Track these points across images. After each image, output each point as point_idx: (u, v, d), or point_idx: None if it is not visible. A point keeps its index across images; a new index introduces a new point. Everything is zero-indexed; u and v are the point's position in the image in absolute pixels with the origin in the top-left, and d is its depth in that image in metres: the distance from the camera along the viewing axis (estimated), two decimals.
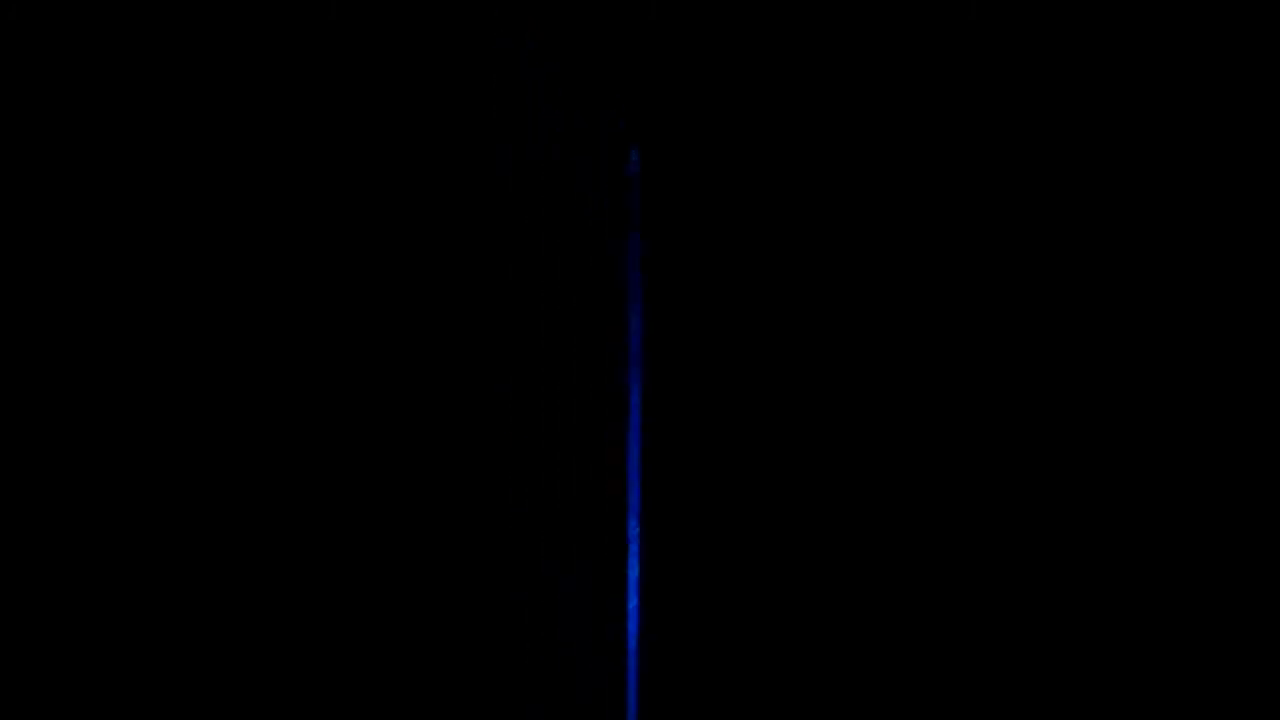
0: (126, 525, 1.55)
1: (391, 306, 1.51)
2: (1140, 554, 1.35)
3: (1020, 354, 1.34)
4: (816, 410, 1.41)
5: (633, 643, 1.47)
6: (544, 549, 1.54)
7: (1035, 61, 1.29)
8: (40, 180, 1.49)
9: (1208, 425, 1.32)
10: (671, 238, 1.44)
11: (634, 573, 1.45)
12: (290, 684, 1.57)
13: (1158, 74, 1.27)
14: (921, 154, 1.34)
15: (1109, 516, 1.35)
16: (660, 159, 1.42)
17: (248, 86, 1.46)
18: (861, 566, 1.42)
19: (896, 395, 1.38)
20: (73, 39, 1.44)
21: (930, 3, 1.31)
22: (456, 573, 1.55)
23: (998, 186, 1.33)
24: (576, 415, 1.51)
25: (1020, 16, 1.29)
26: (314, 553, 1.56)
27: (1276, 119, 1.25)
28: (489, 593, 1.55)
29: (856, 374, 1.40)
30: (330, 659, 1.58)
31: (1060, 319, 1.32)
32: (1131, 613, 1.36)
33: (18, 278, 1.50)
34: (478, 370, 1.52)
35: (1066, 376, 1.33)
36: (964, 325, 1.35)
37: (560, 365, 1.49)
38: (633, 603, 1.45)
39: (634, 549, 1.44)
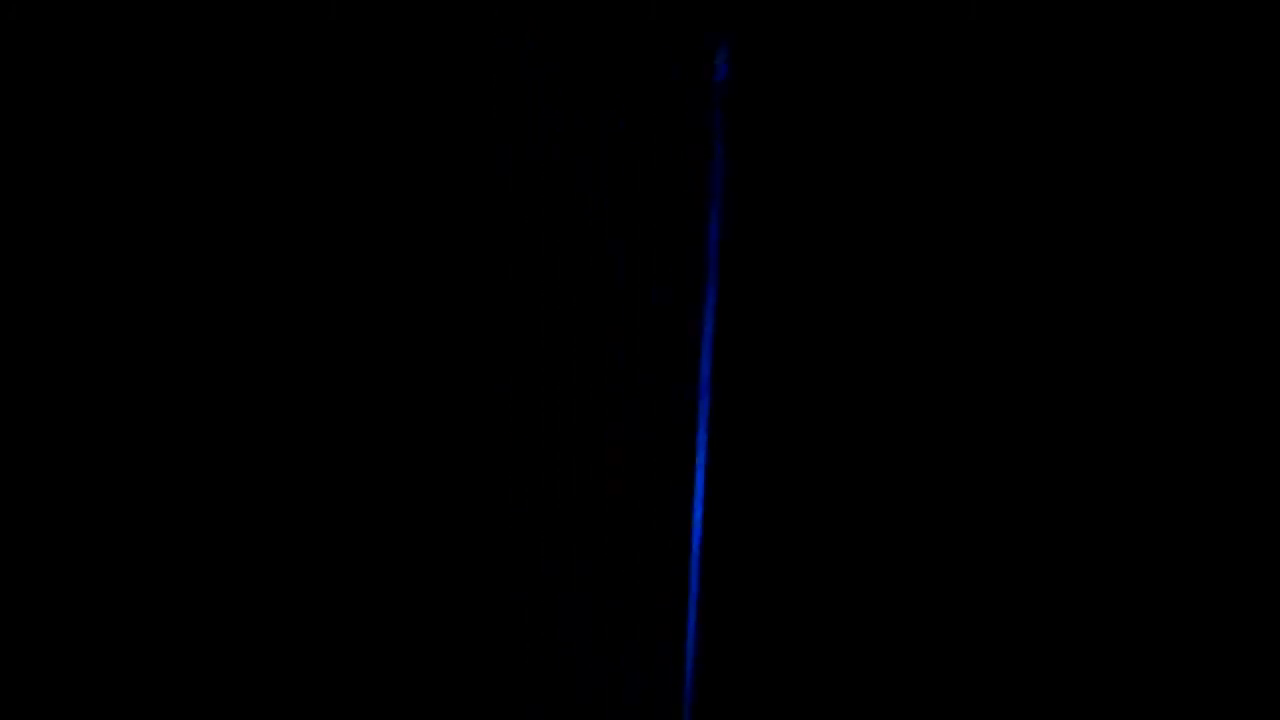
0: (123, 524, 1.55)
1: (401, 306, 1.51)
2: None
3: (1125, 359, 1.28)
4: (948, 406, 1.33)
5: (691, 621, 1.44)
6: (545, 548, 1.54)
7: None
8: (40, 180, 1.49)
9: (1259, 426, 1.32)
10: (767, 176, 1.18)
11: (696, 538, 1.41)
12: (289, 684, 1.57)
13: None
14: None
15: (1179, 519, 1.34)
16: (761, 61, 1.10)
17: (247, 86, 1.46)
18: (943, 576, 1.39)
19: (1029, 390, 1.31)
20: (73, 39, 1.44)
21: None
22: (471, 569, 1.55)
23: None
24: (576, 414, 1.51)
25: None
26: (329, 551, 1.56)
27: None
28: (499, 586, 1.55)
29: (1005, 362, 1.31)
30: (330, 659, 1.58)
31: (1162, 329, 1.28)
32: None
33: (18, 277, 1.50)
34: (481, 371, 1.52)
35: (1156, 389, 1.30)
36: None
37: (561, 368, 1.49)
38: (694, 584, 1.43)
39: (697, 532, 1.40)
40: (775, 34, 1.15)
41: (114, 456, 1.55)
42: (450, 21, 1.40)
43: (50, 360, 1.52)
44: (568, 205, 1.45)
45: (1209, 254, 1.26)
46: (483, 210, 1.47)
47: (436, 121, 1.45)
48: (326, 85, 1.45)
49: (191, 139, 1.48)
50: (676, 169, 1.15)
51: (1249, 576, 1.32)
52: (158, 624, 1.56)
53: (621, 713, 1.56)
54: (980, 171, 1.24)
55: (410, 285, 1.51)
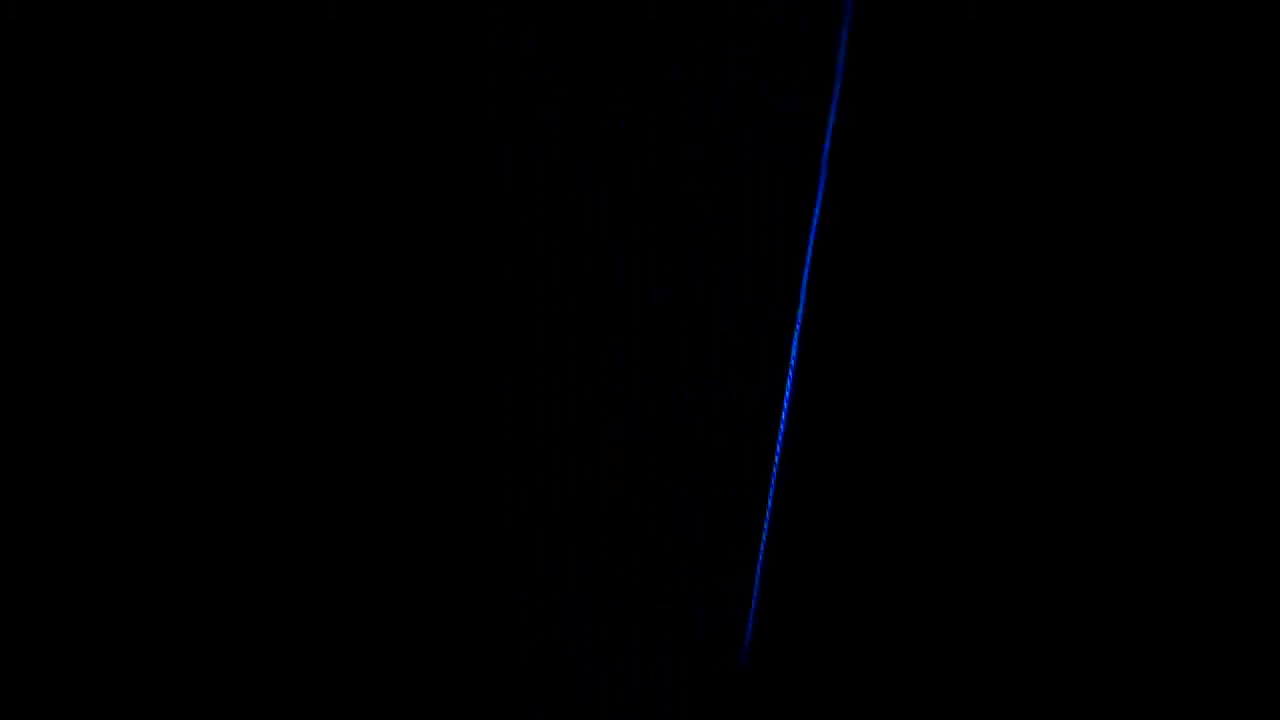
0: (121, 525, 1.55)
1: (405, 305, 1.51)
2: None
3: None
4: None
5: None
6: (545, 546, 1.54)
7: None
8: (40, 180, 1.49)
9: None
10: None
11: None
12: (290, 685, 1.57)
13: None
14: None
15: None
16: None
17: (246, 86, 1.46)
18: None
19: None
20: (73, 39, 1.44)
21: None
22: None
23: None
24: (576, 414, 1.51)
25: None
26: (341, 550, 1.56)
27: None
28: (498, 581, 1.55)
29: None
30: (331, 659, 1.58)
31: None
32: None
33: (18, 277, 1.50)
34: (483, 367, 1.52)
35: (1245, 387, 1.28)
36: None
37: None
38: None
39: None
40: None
41: (115, 456, 1.55)
42: (450, 21, 1.40)
43: (51, 359, 1.52)
44: (569, 205, 1.45)
45: None
46: (483, 210, 1.47)
47: (436, 121, 1.45)
48: (326, 85, 1.45)
49: (191, 139, 1.48)
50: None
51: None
52: (157, 624, 1.56)
53: (621, 713, 1.56)
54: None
55: (410, 285, 1.51)
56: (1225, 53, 1.23)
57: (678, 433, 1.50)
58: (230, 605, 1.57)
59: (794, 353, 1.42)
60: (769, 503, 1.44)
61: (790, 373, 1.44)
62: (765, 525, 1.45)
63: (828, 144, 1.25)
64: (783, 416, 1.45)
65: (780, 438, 1.41)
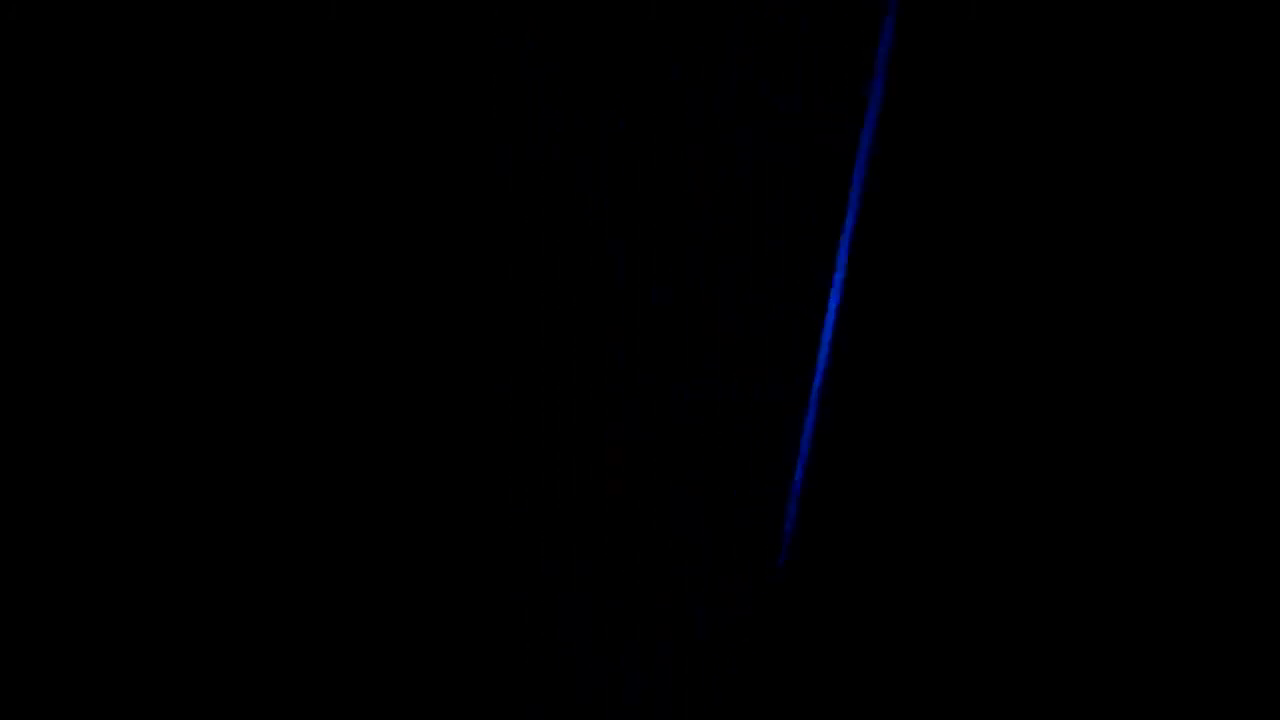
0: (123, 525, 1.55)
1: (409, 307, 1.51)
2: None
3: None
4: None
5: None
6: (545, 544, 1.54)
7: None
8: (41, 179, 1.49)
9: None
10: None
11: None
12: (291, 684, 1.57)
13: None
14: None
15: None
16: None
17: (247, 86, 1.46)
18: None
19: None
20: (73, 39, 1.44)
21: None
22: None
23: None
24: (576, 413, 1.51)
25: None
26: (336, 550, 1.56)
27: None
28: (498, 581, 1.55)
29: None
30: (332, 659, 1.58)
31: None
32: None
33: (18, 276, 1.50)
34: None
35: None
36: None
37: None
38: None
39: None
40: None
41: (115, 456, 1.55)
42: (450, 21, 1.40)
43: (51, 359, 1.52)
44: (569, 205, 1.45)
45: None
46: (483, 210, 1.47)
47: (437, 121, 1.45)
48: (326, 85, 1.45)
49: (191, 139, 1.48)
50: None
51: None
52: (161, 623, 1.56)
53: (621, 713, 1.56)
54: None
55: (410, 285, 1.51)
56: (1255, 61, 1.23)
57: (678, 433, 1.50)
58: (232, 605, 1.57)
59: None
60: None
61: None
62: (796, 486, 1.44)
63: (865, 147, 1.26)
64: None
65: (794, 434, 1.41)
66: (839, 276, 1.41)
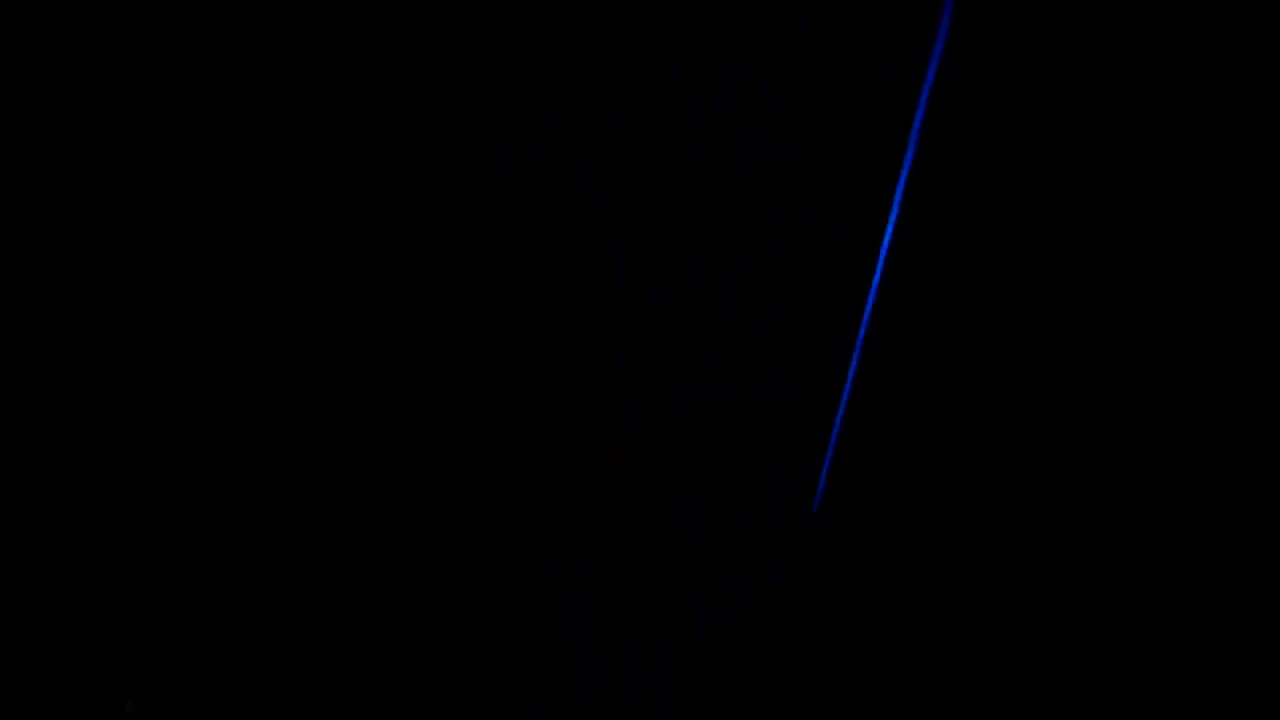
0: (124, 524, 1.55)
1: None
2: None
3: None
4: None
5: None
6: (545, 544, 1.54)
7: None
8: (42, 178, 1.49)
9: None
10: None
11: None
12: (293, 683, 1.57)
13: None
14: None
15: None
16: None
17: (248, 87, 1.46)
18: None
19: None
20: (74, 39, 1.44)
21: None
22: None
23: None
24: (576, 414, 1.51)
25: None
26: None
27: None
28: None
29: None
30: (333, 658, 1.58)
31: None
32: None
33: (19, 276, 1.50)
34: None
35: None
36: None
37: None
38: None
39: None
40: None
41: (116, 455, 1.55)
42: (450, 21, 1.40)
43: (52, 358, 1.52)
44: (569, 205, 1.45)
45: None
46: (483, 210, 1.47)
47: (437, 121, 1.45)
48: (326, 85, 1.45)
49: (191, 139, 1.48)
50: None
51: None
52: (162, 623, 1.56)
53: (621, 713, 1.56)
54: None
55: (410, 285, 1.51)
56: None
57: (678, 433, 1.50)
58: (234, 607, 1.57)
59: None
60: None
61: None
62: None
63: (911, 149, 1.26)
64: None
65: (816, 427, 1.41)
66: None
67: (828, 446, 1.45)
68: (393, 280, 1.51)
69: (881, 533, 1.45)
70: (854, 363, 1.42)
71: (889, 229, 1.38)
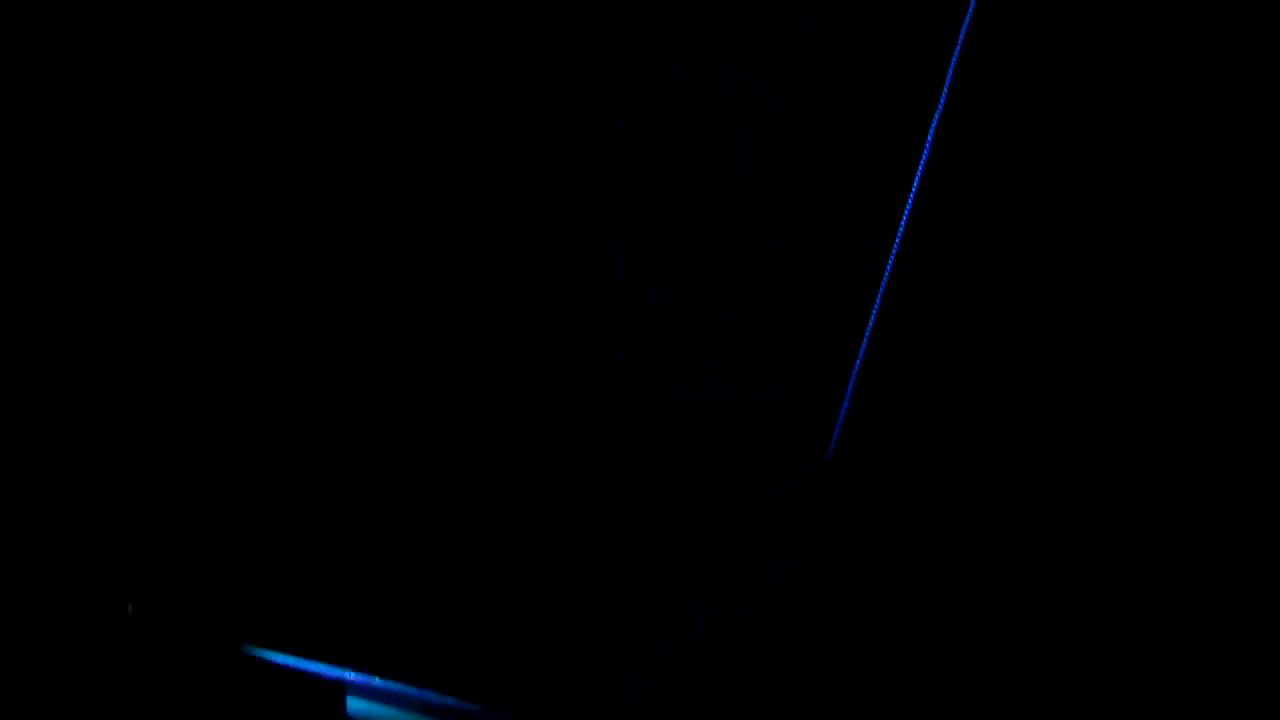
0: (123, 521, 1.55)
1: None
2: None
3: None
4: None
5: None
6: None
7: None
8: (43, 178, 1.49)
9: None
10: None
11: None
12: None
13: None
14: None
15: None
16: None
17: (248, 87, 1.46)
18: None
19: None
20: (73, 39, 1.44)
21: None
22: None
23: None
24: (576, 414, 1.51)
25: None
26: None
27: None
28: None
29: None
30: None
31: None
32: None
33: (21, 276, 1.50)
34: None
35: None
36: None
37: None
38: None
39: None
40: None
41: (116, 454, 1.55)
42: (450, 22, 1.40)
43: (54, 358, 1.52)
44: (569, 205, 1.45)
45: None
46: (483, 210, 1.47)
47: (437, 121, 1.45)
48: (326, 85, 1.45)
49: (191, 139, 1.48)
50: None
51: None
52: (163, 626, 1.56)
53: (621, 713, 1.56)
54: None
55: (410, 285, 1.51)
56: None
57: (678, 433, 1.50)
58: (235, 608, 1.57)
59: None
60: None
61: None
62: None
63: (928, 149, 1.26)
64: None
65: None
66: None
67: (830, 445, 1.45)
68: (392, 280, 1.51)
69: (886, 535, 1.45)
70: (858, 363, 1.42)
71: (896, 229, 1.38)
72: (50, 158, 1.48)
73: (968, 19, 1.27)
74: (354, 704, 1.51)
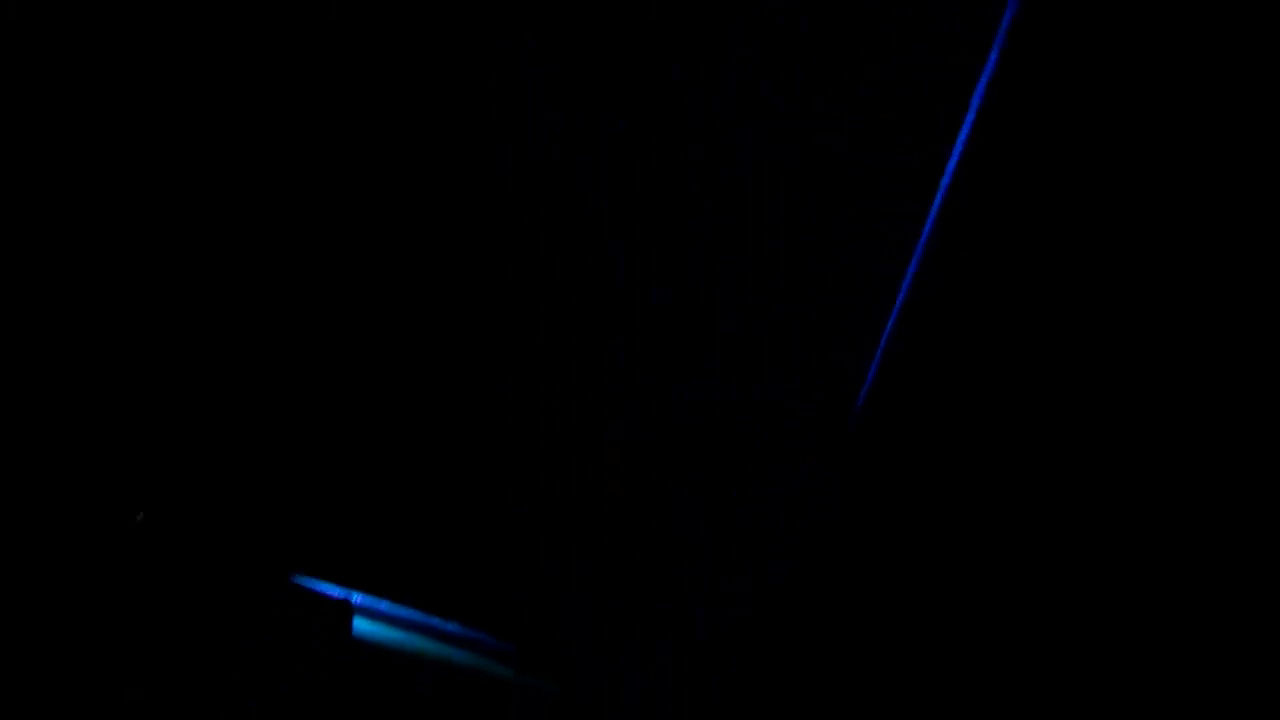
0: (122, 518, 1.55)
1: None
2: None
3: None
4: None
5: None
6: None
7: None
8: (44, 178, 1.49)
9: None
10: None
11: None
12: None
13: None
14: None
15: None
16: None
17: (249, 87, 1.46)
18: None
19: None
20: (73, 39, 1.44)
21: None
22: None
23: None
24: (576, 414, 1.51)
25: None
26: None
27: None
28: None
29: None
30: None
31: None
32: None
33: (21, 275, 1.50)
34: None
35: None
36: None
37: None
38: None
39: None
40: None
41: (116, 453, 1.55)
42: (451, 21, 1.40)
43: (52, 358, 1.52)
44: (569, 205, 1.45)
45: None
46: (483, 210, 1.47)
47: (437, 121, 1.45)
48: (326, 85, 1.45)
49: (191, 139, 1.48)
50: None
51: None
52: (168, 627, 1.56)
53: (621, 713, 1.56)
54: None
55: (409, 285, 1.51)
56: None
57: (678, 433, 1.50)
58: (237, 611, 1.57)
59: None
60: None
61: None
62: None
63: (959, 152, 1.26)
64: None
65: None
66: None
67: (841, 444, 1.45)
68: (392, 280, 1.51)
69: (891, 535, 1.45)
70: (874, 364, 1.41)
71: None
72: (50, 157, 1.48)
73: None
74: (360, 624, 1.53)
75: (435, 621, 1.54)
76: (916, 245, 1.37)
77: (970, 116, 1.32)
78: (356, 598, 1.53)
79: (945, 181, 1.34)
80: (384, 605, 1.54)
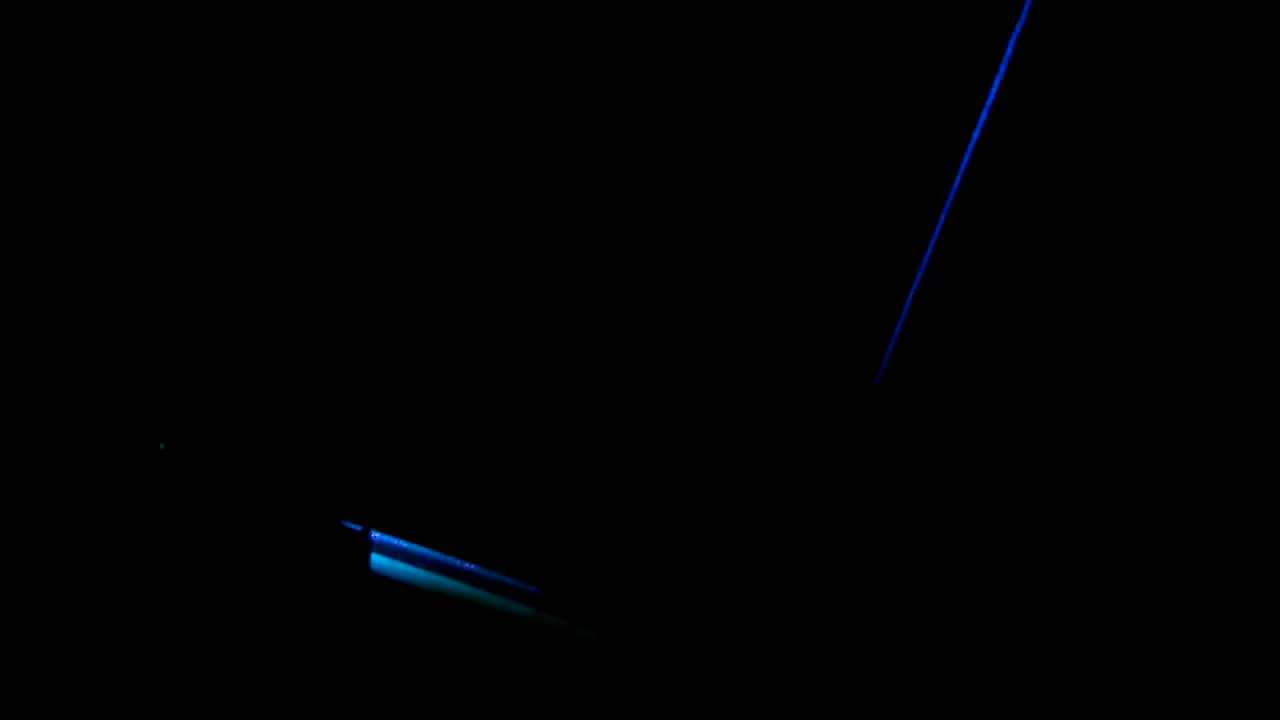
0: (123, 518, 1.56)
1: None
2: None
3: None
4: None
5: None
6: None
7: None
8: (44, 178, 1.49)
9: None
10: None
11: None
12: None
13: None
14: None
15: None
16: None
17: (247, 86, 1.45)
18: None
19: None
20: (73, 39, 1.44)
21: None
22: None
23: None
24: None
25: None
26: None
27: None
28: None
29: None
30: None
31: None
32: None
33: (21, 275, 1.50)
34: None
35: None
36: None
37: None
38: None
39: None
40: None
41: (116, 452, 1.55)
42: (450, 21, 1.40)
43: (54, 358, 1.53)
44: (569, 205, 1.44)
45: None
46: (483, 210, 1.46)
47: (437, 121, 1.44)
48: (326, 85, 1.45)
49: (190, 139, 1.48)
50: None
51: None
52: (162, 632, 1.56)
53: (624, 709, 1.57)
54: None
55: (409, 285, 1.51)
56: None
57: (678, 427, 1.50)
58: (239, 616, 1.58)
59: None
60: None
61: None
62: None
63: (971, 153, 1.25)
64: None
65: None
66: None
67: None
68: (391, 280, 1.51)
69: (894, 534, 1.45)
70: (884, 362, 1.41)
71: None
72: (50, 156, 1.48)
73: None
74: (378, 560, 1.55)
75: (453, 560, 1.56)
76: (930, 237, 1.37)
77: (983, 116, 1.31)
78: (375, 535, 1.55)
79: (962, 165, 1.33)
80: (401, 543, 1.55)
